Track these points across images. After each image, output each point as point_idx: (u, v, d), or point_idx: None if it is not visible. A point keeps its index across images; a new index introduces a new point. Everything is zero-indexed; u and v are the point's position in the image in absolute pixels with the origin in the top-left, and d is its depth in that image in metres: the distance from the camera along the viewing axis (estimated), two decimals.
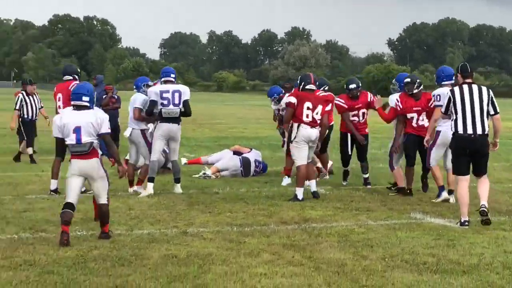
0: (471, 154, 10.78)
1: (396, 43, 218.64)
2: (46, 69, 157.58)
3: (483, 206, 10.67)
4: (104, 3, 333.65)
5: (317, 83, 14.04)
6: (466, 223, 10.65)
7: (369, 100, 14.75)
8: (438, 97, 12.76)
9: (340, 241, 9.54)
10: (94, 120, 9.45)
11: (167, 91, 13.28)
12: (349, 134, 14.73)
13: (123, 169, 9.80)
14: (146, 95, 13.52)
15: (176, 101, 13.30)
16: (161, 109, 13.23)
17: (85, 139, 9.38)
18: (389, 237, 9.81)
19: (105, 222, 9.54)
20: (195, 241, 9.36)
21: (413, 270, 8.06)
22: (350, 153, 14.84)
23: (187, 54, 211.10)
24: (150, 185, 13.24)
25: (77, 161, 9.42)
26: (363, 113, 14.72)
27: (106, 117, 9.65)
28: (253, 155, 16.61)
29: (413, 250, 9.04)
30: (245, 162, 16.24)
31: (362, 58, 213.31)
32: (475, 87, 10.81)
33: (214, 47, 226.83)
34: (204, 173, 15.83)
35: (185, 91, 13.53)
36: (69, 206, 9.32)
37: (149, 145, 13.55)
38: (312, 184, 13.31)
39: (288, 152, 14.18)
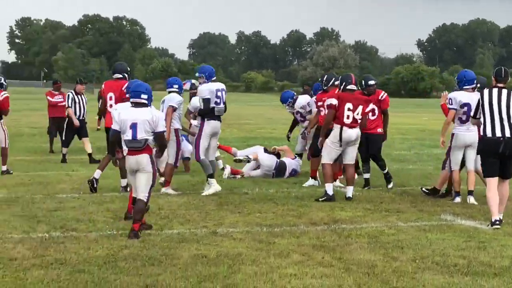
0: (500, 156, 10.74)
1: (426, 44, 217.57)
2: (75, 69, 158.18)
3: (496, 222, 10.63)
4: (134, 4, 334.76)
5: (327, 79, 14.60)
6: (497, 222, 10.59)
7: (380, 98, 14.67)
8: (451, 100, 12.74)
9: (370, 242, 9.50)
10: (150, 118, 9.81)
11: (221, 90, 13.54)
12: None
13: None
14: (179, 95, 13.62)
15: (224, 100, 13.59)
16: (213, 107, 13.36)
17: (140, 135, 9.72)
18: (420, 238, 9.75)
19: (138, 220, 9.63)
20: (224, 241, 9.36)
21: (444, 272, 8.01)
22: (367, 152, 14.65)
23: (215, 55, 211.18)
24: (213, 181, 13.30)
25: (131, 156, 9.82)
26: (373, 110, 14.49)
27: (162, 116, 10.03)
28: (293, 163, 16.36)
29: (444, 252, 8.98)
30: (281, 167, 16.11)
31: (391, 58, 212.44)
32: (504, 91, 10.81)
33: (242, 48, 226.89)
34: (246, 158, 15.86)
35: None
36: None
37: (179, 145, 13.59)
38: (349, 190, 13.24)
39: (313, 155, 14.22)
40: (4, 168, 16.17)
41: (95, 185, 13.24)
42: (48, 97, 21.75)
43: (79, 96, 19.71)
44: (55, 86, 22.24)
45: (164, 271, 7.83)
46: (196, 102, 14.18)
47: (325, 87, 14.62)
